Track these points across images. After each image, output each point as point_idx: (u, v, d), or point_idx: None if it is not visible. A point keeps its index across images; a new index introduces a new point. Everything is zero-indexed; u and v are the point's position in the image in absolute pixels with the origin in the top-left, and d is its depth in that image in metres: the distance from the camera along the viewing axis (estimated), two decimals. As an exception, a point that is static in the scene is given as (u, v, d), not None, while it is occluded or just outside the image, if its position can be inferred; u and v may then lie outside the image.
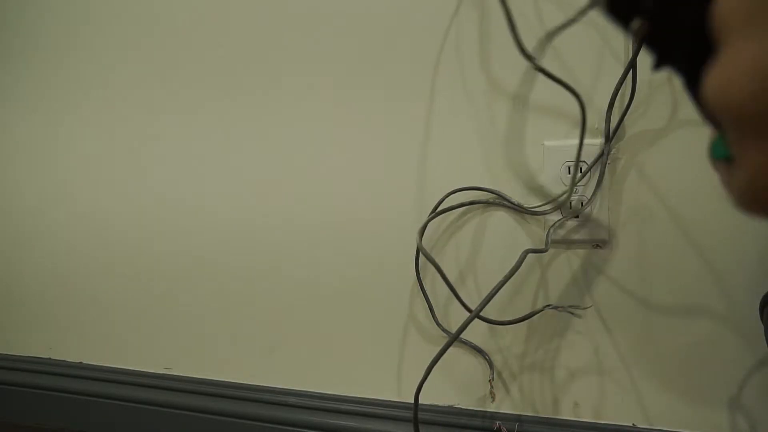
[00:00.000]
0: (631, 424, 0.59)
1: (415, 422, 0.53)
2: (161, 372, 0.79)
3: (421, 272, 0.64)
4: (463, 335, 0.62)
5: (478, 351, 0.63)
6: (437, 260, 0.64)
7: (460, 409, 0.65)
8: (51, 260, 0.87)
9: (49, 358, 0.87)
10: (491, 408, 0.63)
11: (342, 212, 0.69)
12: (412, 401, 0.65)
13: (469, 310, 0.58)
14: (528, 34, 0.57)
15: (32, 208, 0.87)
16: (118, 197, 0.81)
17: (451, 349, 0.63)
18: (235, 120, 0.73)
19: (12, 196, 0.89)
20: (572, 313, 0.58)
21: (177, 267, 0.78)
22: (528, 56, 0.49)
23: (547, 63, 0.58)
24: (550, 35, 0.53)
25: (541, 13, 0.58)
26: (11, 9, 0.86)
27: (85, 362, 0.85)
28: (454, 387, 0.65)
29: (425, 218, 0.62)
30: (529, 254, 0.53)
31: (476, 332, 0.63)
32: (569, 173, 0.58)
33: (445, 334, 0.63)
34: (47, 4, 0.83)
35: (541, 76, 0.58)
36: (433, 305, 0.64)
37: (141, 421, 0.77)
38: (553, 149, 0.59)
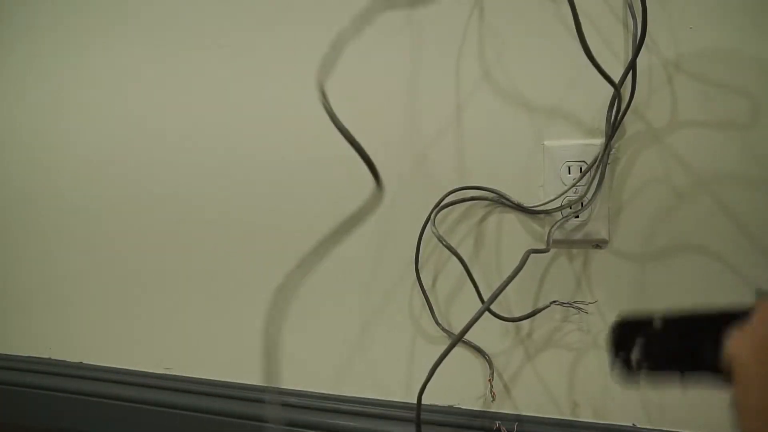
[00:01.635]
0: (631, 424, 0.59)
1: (418, 422, 0.53)
2: (161, 372, 0.79)
3: (420, 271, 0.64)
4: (467, 336, 0.63)
5: (478, 350, 0.63)
6: (438, 259, 0.64)
7: (460, 408, 0.65)
8: (51, 260, 0.87)
9: (49, 358, 0.87)
10: (491, 408, 0.63)
11: (341, 210, 0.68)
12: (412, 401, 0.65)
13: (482, 300, 0.58)
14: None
15: (32, 209, 0.87)
16: (113, 194, 0.81)
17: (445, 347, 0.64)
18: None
19: (11, 197, 0.89)
20: (579, 309, 0.58)
21: (177, 267, 0.78)
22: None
23: (548, 63, 0.58)
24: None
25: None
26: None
27: (85, 362, 0.85)
28: (454, 387, 0.65)
29: (424, 217, 0.62)
30: (532, 255, 0.53)
31: (476, 332, 0.63)
32: (569, 173, 0.58)
33: (444, 334, 0.64)
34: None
35: (538, 76, 0.58)
36: (433, 304, 0.64)
37: (141, 421, 0.77)
38: (553, 149, 0.59)
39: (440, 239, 0.56)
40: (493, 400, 0.62)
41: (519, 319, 0.59)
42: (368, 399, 0.68)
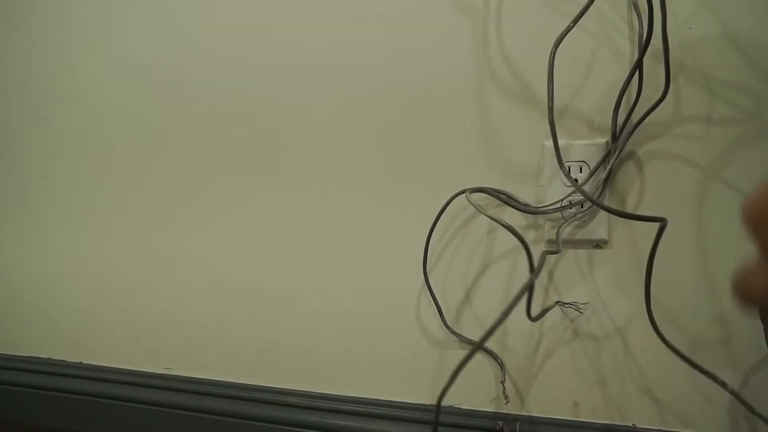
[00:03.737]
0: (631, 424, 0.59)
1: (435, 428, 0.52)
2: (161, 372, 0.79)
3: (429, 273, 0.64)
4: (471, 336, 0.63)
5: (488, 352, 0.63)
6: (445, 261, 0.64)
7: (460, 409, 0.65)
8: (52, 260, 0.86)
9: (49, 358, 0.87)
10: (492, 408, 0.63)
11: (344, 212, 0.68)
12: (412, 401, 0.66)
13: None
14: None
15: (33, 210, 0.87)
16: (113, 191, 0.81)
17: (456, 350, 0.64)
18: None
19: (12, 199, 0.89)
20: (576, 309, 0.58)
21: (177, 267, 0.78)
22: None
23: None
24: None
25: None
26: None
27: (85, 362, 0.85)
28: (456, 387, 0.65)
29: (431, 219, 0.62)
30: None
31: (479, 333, 0.63)
32: (569, 173, 0.58)
33: (455, 337, 0.63)
34: None
35: (539, 77, 0.58)
36: (441, 307, 0.64)
37: (141, 421, 0.77)
38: (553, 149, 0.58)
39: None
40: (507, 402, 0.62)
41: (534, 319, 0.58)
42: (368, 399, 0.68)
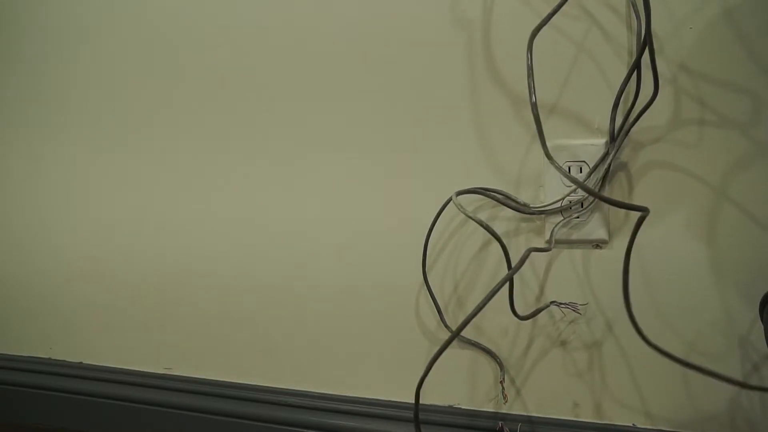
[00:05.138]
0: (631, 424, 0.59)
1: (416, 419, 0.53)
2: (161, 372, 0.79)
3: (428, 273, 0.64)
4: (470, 336, 0.63)
5: (487, 352, 0.63)
6: (442, 261, 0.64)
7: (461, 409, 0.65)
8: (52, 260, 0.86)
9: (49, 358, 0.87)
10: (491, 408, 0.63)
11: (346, 213, 0.68)
12: (412, 401, 0.65)
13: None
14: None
15: (33, 209, 0.87)
16: (119, 199, 0.81)
17: (456, 349, 0.64)
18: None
19: (12, 197, 0.89)
20: (574, 310, 0.58)
21: (178, 267, 0.78)
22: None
23: (548, 63, 0.58)
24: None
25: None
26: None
27: (85, 362, 0.85)
28: (456, 387, 0.65)
29: (431, 219, 0.62)
30: (532, 254, 0.52)
31: (478, 333, 0.63)
32: (569, 173, 0.58)
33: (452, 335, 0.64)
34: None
35: (539, 77, 0.58)
36: (441, 308, 0.64)
37: (141, 421, 0.77)
38: (553, 149, 0.59)
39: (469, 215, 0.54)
40: (506, 402, 0.62)
41: (523, 318, 0.58)
42: (368, 399, 0.68)
